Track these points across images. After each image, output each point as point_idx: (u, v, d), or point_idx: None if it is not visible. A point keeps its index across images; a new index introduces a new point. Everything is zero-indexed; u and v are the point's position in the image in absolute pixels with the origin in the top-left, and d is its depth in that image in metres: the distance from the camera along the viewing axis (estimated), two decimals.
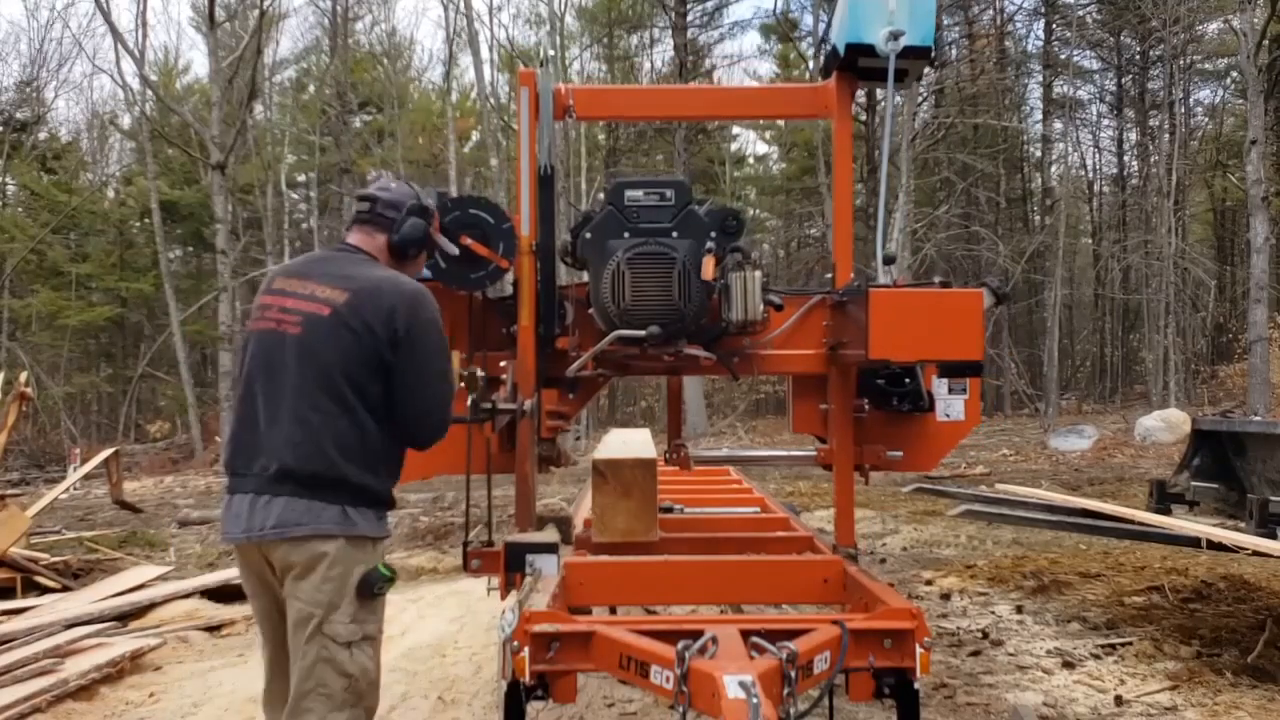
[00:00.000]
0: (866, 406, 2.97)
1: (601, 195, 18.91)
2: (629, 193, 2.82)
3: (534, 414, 2.83)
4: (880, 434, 2.97)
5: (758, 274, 2.75)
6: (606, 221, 2.82)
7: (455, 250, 2.76)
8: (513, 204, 3.32)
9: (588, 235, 2.86)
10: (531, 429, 2.84)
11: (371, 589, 2.22)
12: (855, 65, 2.86)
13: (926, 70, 3.22)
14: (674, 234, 2.76)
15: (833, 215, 3.41)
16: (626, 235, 2.77)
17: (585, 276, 2.95)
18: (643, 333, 2.70)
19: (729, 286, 2.75)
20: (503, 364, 2.92)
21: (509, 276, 2.88)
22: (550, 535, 2.67)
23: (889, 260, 2.93)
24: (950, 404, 2.95)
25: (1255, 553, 3.87)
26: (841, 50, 2.80)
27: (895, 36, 2.68)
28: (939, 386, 2.95)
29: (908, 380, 2.91)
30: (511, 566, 2.51)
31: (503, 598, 2.76)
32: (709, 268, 2.70)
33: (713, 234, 2.78)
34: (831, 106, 3.01)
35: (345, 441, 2.20)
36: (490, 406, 2.68)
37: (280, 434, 2.20)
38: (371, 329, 2.22)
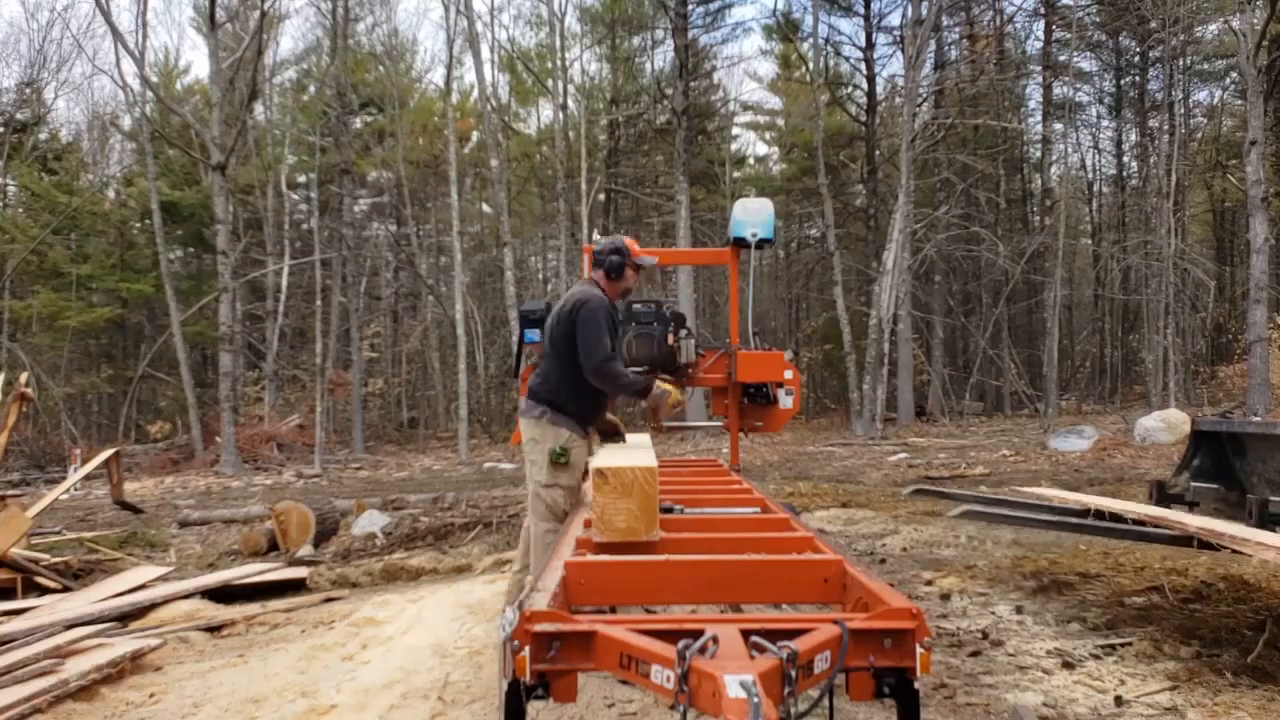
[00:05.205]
0: (746, 401, 5.60)
1: (603, 196, 29.47)
2: (635, 307, 5.39)
3: None
4: (752, 414, 5.67)
5: (693, 340, 5.50)
6: (627, 321, 5.55)
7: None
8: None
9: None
10: None
11: (555, 458, 4.19)
12: (739, 244, 5.71)
13: (771, 248, 7.20)
14: (654, 324, 5.36)
15: (730, 315, 5.96)
16: (634, 325, 5.34)
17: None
18: (641, 369, 5.20)
19: (680, 346, 5.42)
20: None
21: None
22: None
23: (756, 333, 5.94)
24: (785, 399, 5.59)
25: (1235, 552, 3.89)
26: (732, 239, 5.72)
27: (754, 235, 5.57)
28: (780, 391, 5.59)
29: (764, 388, 5.56)
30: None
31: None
32: (670, 339, 5.35)
33: (672, 324, 5.40)
34: (728, 260, 6.01)
35: (555, 378, 4.31)
36: None
37: (537, 376, 4.47)
38: (565, 319, 4.22)
